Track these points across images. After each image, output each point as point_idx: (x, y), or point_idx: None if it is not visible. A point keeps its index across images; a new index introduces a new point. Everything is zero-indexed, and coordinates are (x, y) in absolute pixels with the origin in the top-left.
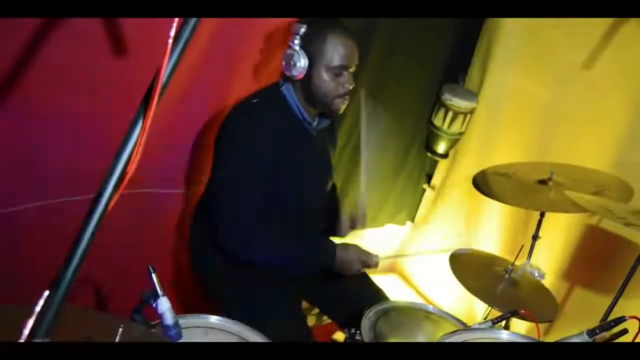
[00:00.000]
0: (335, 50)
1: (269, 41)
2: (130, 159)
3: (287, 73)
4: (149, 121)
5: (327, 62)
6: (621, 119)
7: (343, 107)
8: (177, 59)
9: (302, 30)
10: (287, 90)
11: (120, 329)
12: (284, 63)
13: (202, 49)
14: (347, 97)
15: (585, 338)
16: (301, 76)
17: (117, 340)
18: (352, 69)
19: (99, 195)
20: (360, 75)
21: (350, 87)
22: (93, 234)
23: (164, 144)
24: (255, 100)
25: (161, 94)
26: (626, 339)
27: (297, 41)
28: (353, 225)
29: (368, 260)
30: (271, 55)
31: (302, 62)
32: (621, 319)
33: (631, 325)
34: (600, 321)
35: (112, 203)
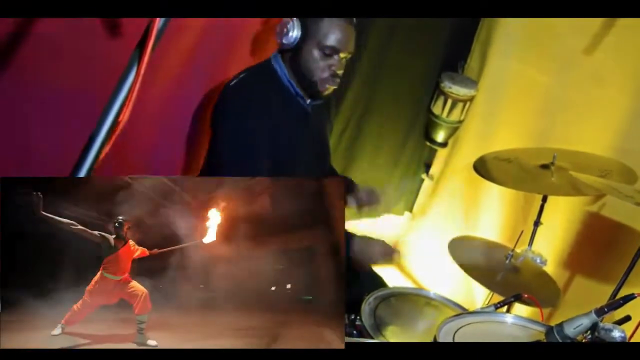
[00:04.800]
0: (331, 30)
1: (266, 22)
2: (123, 105)
3: (279, 41)
4: (143, 67)
5: (320, 39)
6: (623, 105)
7: (330, 89)
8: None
9: None
10: (277, 63)
11: None
12: (277, 30)
13: (197, 31)
14: (335, 80)
15: (593, 317)
16: (292, 46)
17: None
18: (344, 55)
19: (91, 140)
20: (359, 63)
21: (338, 72)
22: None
23: (160, 127)
24: (245, 75)
25: (158, 38)
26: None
27: None
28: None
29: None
30: (267, 36)
31: (295, 32)
32: (631, 297)
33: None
34: None
35: (103, 153)
